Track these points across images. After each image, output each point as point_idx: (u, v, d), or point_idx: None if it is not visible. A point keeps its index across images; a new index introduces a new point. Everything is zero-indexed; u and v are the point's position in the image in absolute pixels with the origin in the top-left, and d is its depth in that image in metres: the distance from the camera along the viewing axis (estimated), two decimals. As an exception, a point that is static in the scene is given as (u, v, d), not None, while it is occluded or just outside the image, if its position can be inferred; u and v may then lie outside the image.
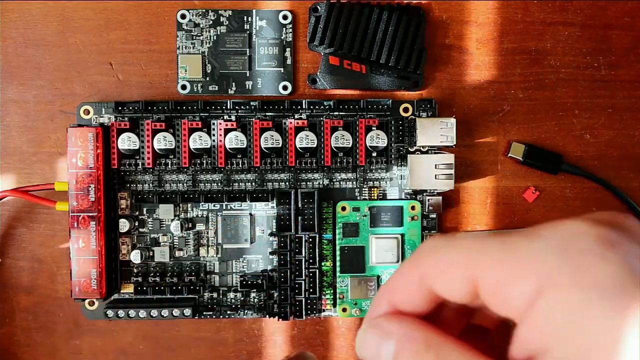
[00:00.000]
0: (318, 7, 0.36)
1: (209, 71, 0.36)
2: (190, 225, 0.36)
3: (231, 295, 0.36)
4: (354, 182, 0.36)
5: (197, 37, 0.36)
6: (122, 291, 0.36)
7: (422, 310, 0.18)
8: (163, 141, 0.34)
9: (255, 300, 0.36)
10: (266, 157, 0.35)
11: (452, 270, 0.17)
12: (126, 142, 0.34)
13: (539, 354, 0.15)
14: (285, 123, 0.35)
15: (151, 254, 0.36)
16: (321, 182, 0.36)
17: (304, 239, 0.35)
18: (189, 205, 0.36)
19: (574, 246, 0.14)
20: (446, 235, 0.18)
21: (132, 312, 0.35)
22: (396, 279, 0.18)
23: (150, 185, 0.36)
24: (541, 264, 0.15)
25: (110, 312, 0.35)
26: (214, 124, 0.35)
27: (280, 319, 0.35)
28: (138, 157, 0.35)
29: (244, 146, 0.35)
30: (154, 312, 0.35)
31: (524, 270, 0.15)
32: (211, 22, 0.36)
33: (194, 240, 0.36)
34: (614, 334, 0.13)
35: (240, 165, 0.35)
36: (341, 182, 0.36)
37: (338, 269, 0.36)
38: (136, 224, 0.36)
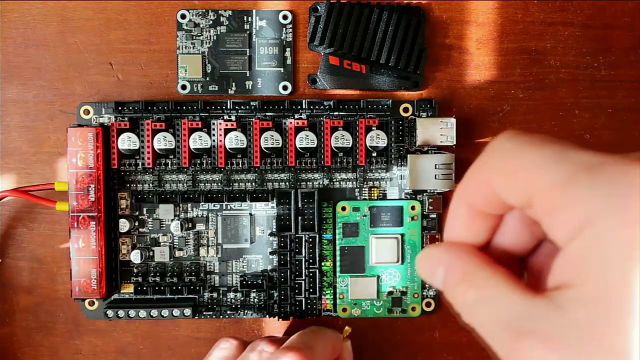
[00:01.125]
0: (318, 7, 0.36)
1: (209, 71, 0.36)
2: (190, 225, 0.36)
3: (231, 295, 0.36)
4: (354, 182, 0.36)
5: (197, 37, 0.36)
6: (122, 291, 0.36)
7: (481, 239, 0.20)
8: (163, 141, 0.34)
9: (255, 300, 0.36)
10: (266, 157, 0.35)
11: (512, 180, 0.18)
12: (126, 142, 0.34)
13: (571, 286, 0.16)
14: (285, 123, 0.35)
15: (151, 254, 0.36)
16: (321, 182, 0.36)
17: (304, 239, 0.35)
18: (189, 205, 0.36)
19: (621, 195, 0.15)
20: (516, 137, 0.19)
21: (132, 312, 0.35)
22: (468, 180, 0.20)
23: (150, 185, 0.36)
24: (591, 205, 0.16)
25: (110, 312, 0.35)
26: (214, 124, 0.35)
27: (280, 319, 0.35)
28: (138, 157, 0.35)
29: (244, 146, 0.35)
30: (154, 312, 0.35)
31: (574, 205, 0.16)
32: (211, 22, 0.36)
33: (194, 240, 0.36)
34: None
35: (240, 165, 0.35)
36: (341, 182, 0.36)
37: (338, 269, 0.36)
38: (136, 224, 0.36)
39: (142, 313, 0.35)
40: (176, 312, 0.35)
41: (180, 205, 0.36)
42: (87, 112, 0.35)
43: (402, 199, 0.36)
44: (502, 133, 0.20)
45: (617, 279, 0.15)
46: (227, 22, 0.36)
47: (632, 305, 0.14)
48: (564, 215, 0.16)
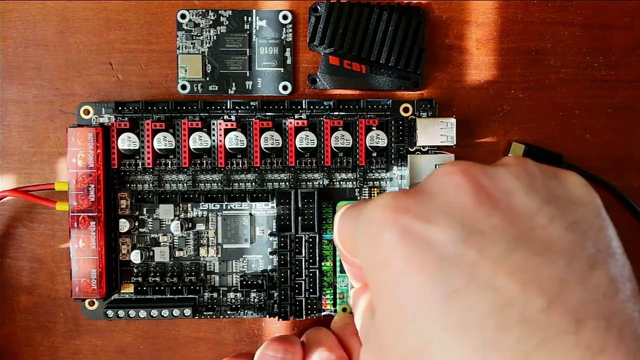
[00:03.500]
0: (318, 7, 0.36)
1: (209, 71, 0.36)
2: (190, 225, 0.36)
3: (231, 295, 0.36)
4: (354, 182, 0.36)
5: (197, 37, 0.36)
6: (122, 291, 0.36)
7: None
8: (163, 141, 0.34)
9: (255, 300, 0.36)
10: (266, 157, 0.35)
11: (342, 242, 0.25)
12: (126, 142, 0.34)
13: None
14: (285, 123, 0.35)
15: (151, 254, 0.36)
16: (321, 182, 0.36)
17: (304, 239, 0.35)
18: (189, 205, 0.36)
19: (367, 230, 0.20)
20: (343, 211, 0.25)
21: (132, 312, 0.35)
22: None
23: (150, 185, 0.36)
24: (358, 244, 0.21)
25: (110, 312, 0.35)
26: (214, 124, 0.35)
27: (280, 319, 0.35)
28: (138, 157, 0.35)
29: (244, 146, 0.35)
30: (154, 312, 0.35)
31: (356, 248, 0.22)
32: (211, 22, 0.36)
33: (194, 240, 0.36)
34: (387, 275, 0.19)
35: (240, 165, 0.35)
36: (341, 182, 0.36)
37: (338, 269, 0.36)
38: (136, 224, 0.36)
39: (142, 313, 0.35)
40: (176, 312, 0.35)
41: (180, 205, 0.36)
42: (87, 112, 0.35)
43: (402, 199, 0.36)
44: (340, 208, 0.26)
45: (380, 290, 0.19)
46: (227, 22, 0.36)
47: (390, 305, 0.19)
48: (357, 257, 0.22)
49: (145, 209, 0.36)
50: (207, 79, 0.36)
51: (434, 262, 0.17)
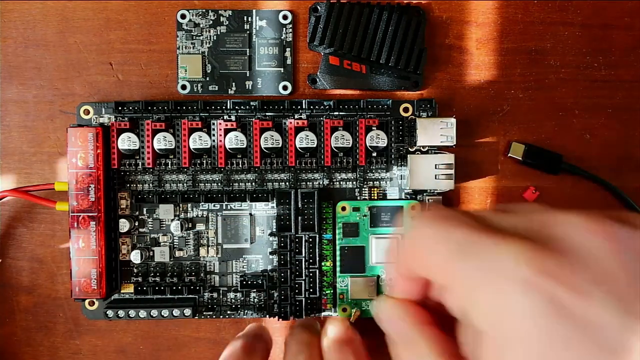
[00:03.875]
0: (318, 7, 0.36)
1: (209, 71, 0.36)
2: (190, 225, 0.36)
3: (231, 295, 0.36)
4: (354, 182, 0.36)
5: (197, 37, 0.36)
6: (122, 291, 0.36)
7: (414, 296, 0.23)
8: (163, 141, 0.34)
9: (255, 300, 0.36)
10: (266, 157, 0.35)
11: (414, 260, 0.21)
12: (126, 142, 0.34)
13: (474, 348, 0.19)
14: (285, 123, 0.35)
15: (151, 254, 0.36)
16: (321, 182, 0.36)
17: (304, 239, 0.35)
18: (189, 205, 0.36)
19: (506, 290, 0.17)
20: (420, 222, 0.21)
21: (132, 312, 0.35)
22: (400, 255, 0.23)
23: (150, 185, 0.36)
24: (466, 281, 0.18)
25: (110, 312, 0.35)
26: (214, 124, 0.35)
27: (280, 319, 0.35)
28: (138, 157, 0.35)
29: (244, 146, 0.35)
30: (154, 312, 0.35)
31: (453, 285, 0.19)
32: (211, 22, 0.36)
33: (194, 240, 0.36)
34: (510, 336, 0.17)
35: (240, 165, 0.35)
36: (341, 182, 0.36)
37: (338, 269, 0.36)
38: (136, 224, 0.36)
39: (142, 313, 0.35)
40: (176, 312, 0.35)
41: (180, 205, 0.36)
42: (87, 112, 0.35)
43: (402, 199, 0.36)
44: (420, 216, 0.22)
45: (502, 354, 0.17)
46: (227, 22, 0.36)
47: None
48: (450, 294, 0.19)
49: (145, 209, 0.36)
50: (207, 79, 0.36)
51: (592, 348, 0.15)
